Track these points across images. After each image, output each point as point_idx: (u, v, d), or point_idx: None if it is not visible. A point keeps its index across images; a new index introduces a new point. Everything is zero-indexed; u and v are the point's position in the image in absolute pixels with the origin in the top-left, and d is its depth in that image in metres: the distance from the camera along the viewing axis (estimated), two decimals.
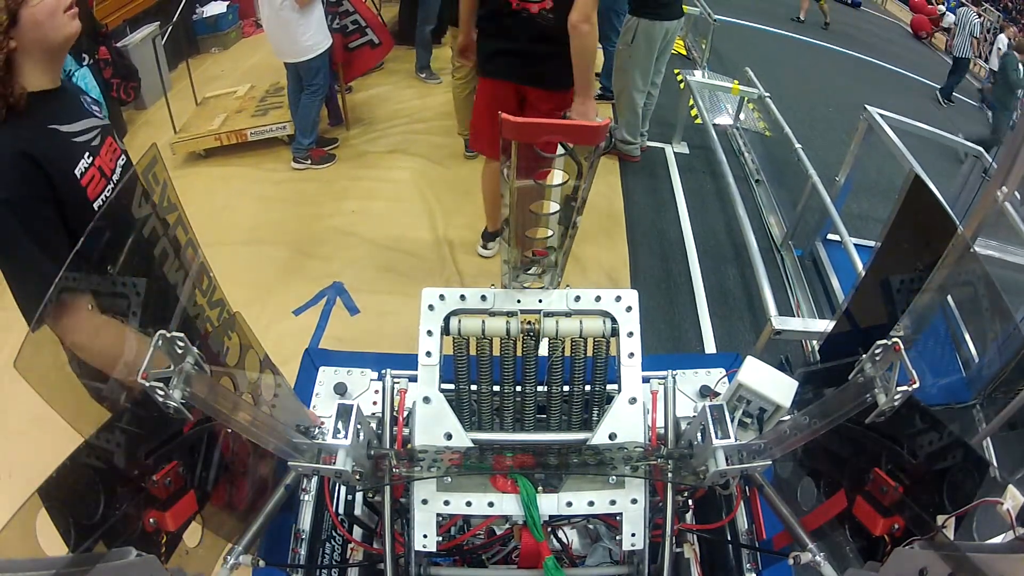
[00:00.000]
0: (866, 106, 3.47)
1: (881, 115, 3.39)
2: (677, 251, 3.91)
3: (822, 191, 3.48)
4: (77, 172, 1.18)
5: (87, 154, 1.22)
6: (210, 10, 6.08)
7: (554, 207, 0.84)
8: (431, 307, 1.02)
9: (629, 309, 1.02)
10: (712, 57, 6.60)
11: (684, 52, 7.25)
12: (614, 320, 1.02)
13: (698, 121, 5.13)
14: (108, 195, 1.23)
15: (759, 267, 3.05)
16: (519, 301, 1.02)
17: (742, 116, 5.51)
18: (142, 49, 4.91)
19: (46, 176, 1.12)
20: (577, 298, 1.03)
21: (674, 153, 4.99)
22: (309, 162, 4.35)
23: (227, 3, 6.17)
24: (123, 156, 1.36)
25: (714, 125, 4.79)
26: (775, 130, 4.74)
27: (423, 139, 4.78)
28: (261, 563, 0.97)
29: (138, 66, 4.80)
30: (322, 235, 3.76)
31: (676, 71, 6.39)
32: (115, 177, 1.28)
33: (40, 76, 1.18)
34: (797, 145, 3.91)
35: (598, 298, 1.03)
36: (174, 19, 5.09)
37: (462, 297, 1.02)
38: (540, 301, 1.03)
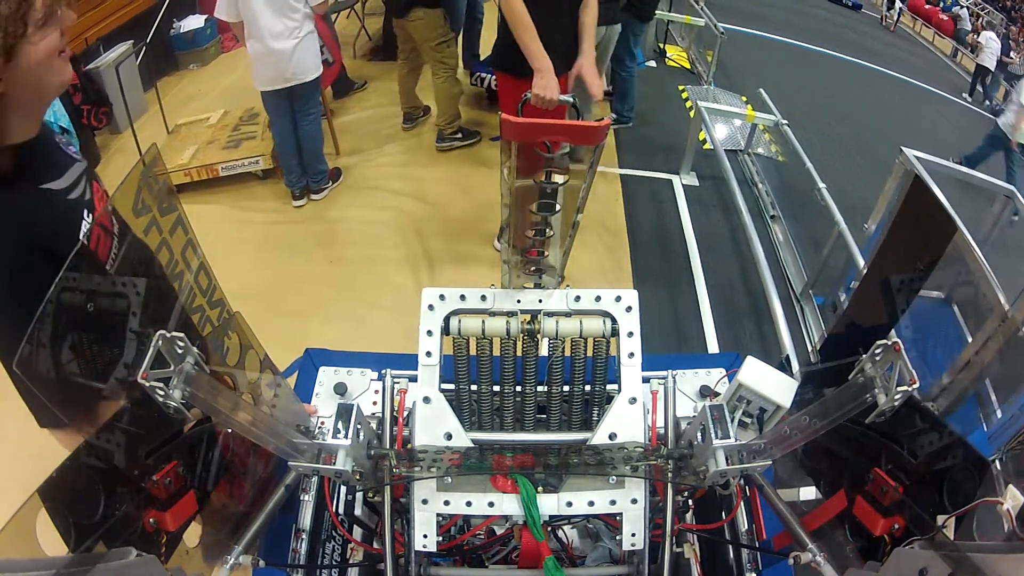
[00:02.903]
0: (902, 148, 3.16)
1: (918, 158, 3.03)
2: (690, 305, 3.59)
3: (850, 241, 3.11)
4: (83, 237, 1.00)
5: (85, 211, 1.07)
6: (187, 25, 5.88)
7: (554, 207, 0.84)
8: (431, 307, 1.02)
9: (629, 309, 1.02)
10: (718, 71, 6.27)
11: (688, 66, 6.84)
12: (614, 320, 1.02)
13: (707, 147, 4.75)
14: (115, 253, 0.93)
15: (781, 326, 2.80)
16: (519, 301, 1.02)
17: (753, 140, 5.15)
18: (114, 71, 4.66)
19: (53, 257, 0.88)
20: (577, 298, 1.03)
21: (683, 185, 4.62)
22: (331, 184, 4.17)
23: (204, 17, 5.95)
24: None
25: (725, 151, 4.45)
26: (793, 160, 4.33)
27: (407, 172, 4.45)
28: (261, 563, 0.97)
29: (111, 88, 4.57)
30: (297, 288, 3.46)
31: (680, 87, 6.05)
32: (115, 231, 0.94)
33: (26, 127, 0.99)
34: (821, 185, 3.57)
35: (598, 298, 1.03)
36: (149, 37, 4.87)
37: (462, 297, 1.02)
38: (540, 301, 1.03)
